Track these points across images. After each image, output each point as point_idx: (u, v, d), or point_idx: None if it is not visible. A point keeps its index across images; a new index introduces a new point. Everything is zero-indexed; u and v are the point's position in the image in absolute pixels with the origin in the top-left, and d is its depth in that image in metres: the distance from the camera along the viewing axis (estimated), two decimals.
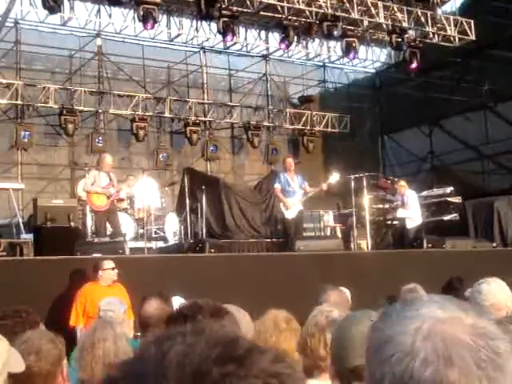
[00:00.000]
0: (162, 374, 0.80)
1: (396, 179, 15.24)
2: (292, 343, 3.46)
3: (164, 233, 13.86)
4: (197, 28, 19.03)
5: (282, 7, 16.71)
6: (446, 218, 15.03)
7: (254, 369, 0.80)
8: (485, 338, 0.98)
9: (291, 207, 11.94)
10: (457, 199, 15.44)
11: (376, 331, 1.07)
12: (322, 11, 16.67)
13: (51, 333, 3.14)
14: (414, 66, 18.47)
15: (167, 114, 19.22)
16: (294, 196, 12.04)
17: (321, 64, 22.48)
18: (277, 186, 12.25)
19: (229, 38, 16.80)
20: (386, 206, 14.24)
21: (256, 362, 0.81)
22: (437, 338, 0.98)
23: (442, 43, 18.55)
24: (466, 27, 18.27)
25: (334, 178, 12.26)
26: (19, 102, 17.23)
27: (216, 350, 0.81)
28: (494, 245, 14.36)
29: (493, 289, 3.97)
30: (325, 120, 21.17)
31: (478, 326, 1.00)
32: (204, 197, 13.43)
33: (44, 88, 17.29)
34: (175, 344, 0.83)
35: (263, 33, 20.50)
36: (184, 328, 0.86)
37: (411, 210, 13.40)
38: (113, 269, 7.97)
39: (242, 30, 19.22)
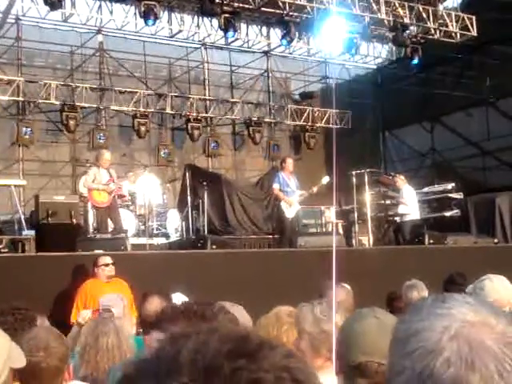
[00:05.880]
0: (175, 371, 0.81)
1: (393, 174, 15.29)
2: (293, 336, 3.48)
3: (165, 229, 13.89)
4: (198, 24, 19.02)
5: (284, 3, 16.69)
6: (448, 214, 15.05)
7: (265, 363, 0.81)
8: None
9: (292, 206, 11.97)
10: (458, 195, 15.46)
11: (403, 323, 1.06)
12: (323, 7, 16.66)
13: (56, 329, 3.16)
14: (415, 62, 18.48)
15: (168, 111, 19.20)
16: (292, 195, 12.06)
17: (322, 60, 22.47)
18: (276, 185, 12.25)
19: (230, 34, 16.80)
20: (388, 202, 14.25)
21: (267, 357, 0.82)
22: (463, 340, 0.96)
23: (444, 39, 18.53)
24: (468, 23, 18.25)
25: (325, 180, 12.30)
26: (20, 98, 17.24)
27: (227, 345, 0.83)
28: (496, 241, 14.36)
29: (495, 285, 3.98)
30: (326, 116, 21.17)
31: (507, 334, 0.98)
32: (205, 193, 13.45)
33: (45, 84, 17.27)
34: (189, 341, 0.85)
35: (264, 29, 20.49)
36: (198, 326, 0.88)
37: (407, 205, 13.49)
38: (107, 265, 7.92)
39: (243, 26, 19.17)
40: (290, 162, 12.46)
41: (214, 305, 2.55)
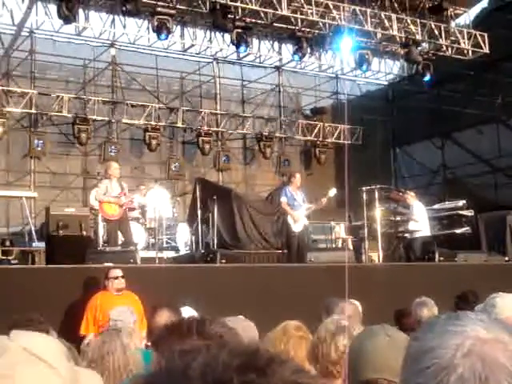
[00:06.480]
0: None
1: (403, 190, 15.26)
2: (301, 350, 3.47)
3: (175, 243, 13.88)
4: (210, 39, 19.13)
5: (296, 19, 16.75)
6: (458, 231, 14.98)
7: (275, 378, 0.81)
8: None
9: (299, 220, 11.95)
10: (469, 212, 15.38)
11: (416, 341, 1.06)
12: (335, 23, 16.71)
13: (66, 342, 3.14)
14: (426, 78, 18.49)
15: (180, 124, 19.28)
16: (299, 209, 12.05)
17: (333, 75, 22.51)
18: (283, 199, 12.24)
19: (242, 48, 16.86)
20: (398, 218, 14.20)
21: (277, 372, 0.82)
22: (476, 357, 0.96)
23: (456, 56, 18.54)
24: (480, 40, 18.26)
25: (332, 192, 12.27)
26: (33, 110, 17.35)
27: (238, 359, 0.83)
28: (507, 259, 14.26)
29: (507, 302, 3.96)
30: (337, 132, 21.18)
31: None
32: (215, 207, 13.44)
33: (58, 97, 17.40)
34: (199, 355, 0.84)
35: (276, 44, 20.58)
36: (208, 342, 0.88)
37: (418, 221, 13.44)
38: (116, 277, 7.94)
39: (255, 41, 19.29)
40: (298, 178, 12.46)
41: (206, 321, 2.37)
